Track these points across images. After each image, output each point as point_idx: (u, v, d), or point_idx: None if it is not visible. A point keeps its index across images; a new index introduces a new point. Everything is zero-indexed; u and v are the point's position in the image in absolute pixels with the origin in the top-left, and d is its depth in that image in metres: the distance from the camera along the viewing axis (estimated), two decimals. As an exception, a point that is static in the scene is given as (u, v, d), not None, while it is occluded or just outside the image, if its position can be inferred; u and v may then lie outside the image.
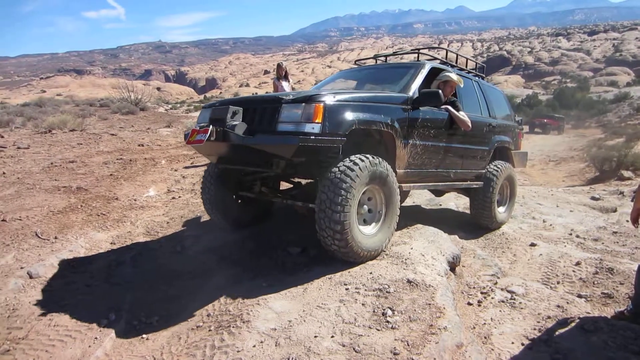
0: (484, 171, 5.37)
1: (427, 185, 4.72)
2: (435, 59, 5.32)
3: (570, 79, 69.43)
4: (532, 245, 5.16)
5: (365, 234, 3.62)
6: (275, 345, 2.60)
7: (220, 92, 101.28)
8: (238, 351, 2.57)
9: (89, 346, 2.84)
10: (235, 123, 3.40)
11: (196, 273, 3.81)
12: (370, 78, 5.31)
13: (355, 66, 5.93)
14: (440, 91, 4.02)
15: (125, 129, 12.60)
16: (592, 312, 3.58)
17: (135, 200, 5.75)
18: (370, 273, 3.41)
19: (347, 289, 3.19)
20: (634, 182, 10.92)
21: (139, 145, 9.57)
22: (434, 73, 4.66)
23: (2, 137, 9.81)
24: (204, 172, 4.51)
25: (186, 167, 7.71)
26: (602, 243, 5.40)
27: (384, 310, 2.93)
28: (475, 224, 5.57)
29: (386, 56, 5.84)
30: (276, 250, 4.12)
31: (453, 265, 3.99)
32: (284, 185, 4.97)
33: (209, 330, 2.88)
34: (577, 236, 5.64)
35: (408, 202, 6.73)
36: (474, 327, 3.28)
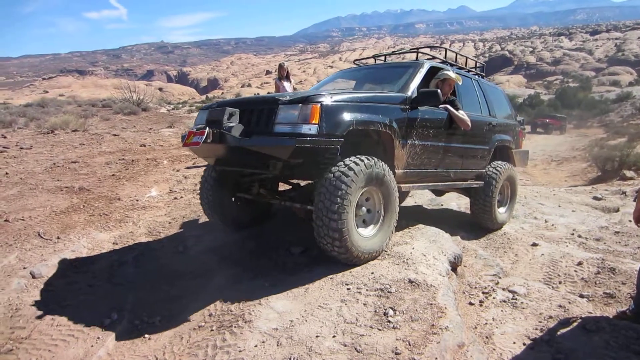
0: (484, 171, 5.34)
1: (426, 185, 4.69)
2: (435, 58, 5.31)
3: (573, 79, 69.32)
4: (534, 245, 5.15)
5: (364, 236, 3.61)
6: (277, 345, 2.61)
7: (222, 93, 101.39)
8: (240, 351, 2.57)
9: (92, 346, 2.85)
10: (231, 125, 3.37)
11: (198, 273, 3.81)
12: (369, 78, 5.30)
13: (355, 66, 5.92)
14: (438, 90, 3.99)
15: (127, 129, 12.62)
16: (594, 312, 3.58)
17: (137, 200, 5.77)
18: (372, 273, 3.41)
19: (348, 289, 3.20)
20: (636, 182, 10.90)
21: (141, 146, 9.59)
22: (433, 72, 4.63)
23: (5, 137, 9.85)
24: (202, 173, 4.50)
25: (188, 168, 7.72)
26: (604, 243, 5.39)
27: (385, 310, 2.94)
28: (476, 224, 5.56)
29: (385, 56, 5.82)
30: (277, 250, 4.13)
31: (454, 265, 3.99)
32: (284, 186, 4.96)
33: (211, 330, 2.89)
34: (579, 236, 5.63)
35: (409, 202, 6.73)
36: (476, 327, 3.28)
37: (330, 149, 3.35)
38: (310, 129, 3.19)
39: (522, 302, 3.67)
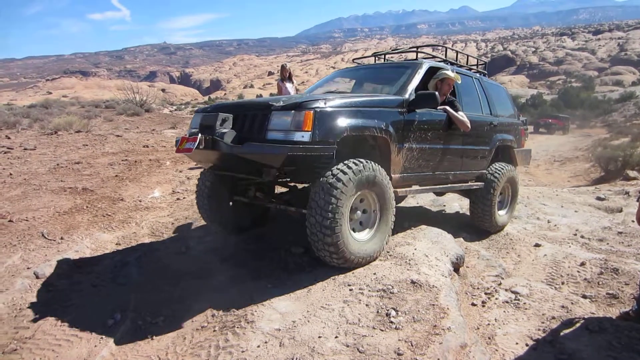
0: (485, 172, 5.25)
1: (424, 189, 4.61)
2: (434, 57, 5.25)
3: (575, 79, 69.20)
4: (537, 245, 5.15)
5: (359, 240, 3.56)
6: (280, 346, 2.61)
7: (225, 94, 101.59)
8: (242, 351, 2.58)
9: (95, 346, 2.86)
10: (224, 131, 3.32)
11: (200, 273, 3.82)
12: (367, 78, 5.25)
13: (354, 64, 5.85)
14: (436, 93, 3.92)
15: (130, 130, 12.66)
16: (597, 313, 3.57)
17: (140, 201, 5.79)
18: (374, 274, 3.42)
19: (351, 290, 3.20)
20: (640, 182, 10.86)
21: (144, 147, 9.62)
22: (432, 72, 4.55)
23: (9, 138, 9.90)
24: (198, 178, 4.44)
25: (191, 169, 7.74)
26: (607, 243, 5.38)
27: (387, 310, 2.94)
28: (476, 226, 5.48)
29: (385, 55, 5.75)
30: (279, 250, 4.13)
31: (457, 266, 3.99)
32: (283, 188, 4.94)
33: (214, 331, 2.90)
34: (582, 236, 5.62)
35: (412, 202, 6.73)
36: (478, 328, 3.28)
37: (323, 156, 3.28)
38: (303, 136, 3.13)
39: (524, 303, 3.66)
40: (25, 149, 8.47)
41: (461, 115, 4.48)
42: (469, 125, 4.52)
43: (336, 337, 2.68)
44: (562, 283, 4.21)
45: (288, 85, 8.48)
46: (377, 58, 5.80)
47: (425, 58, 5.07)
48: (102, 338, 2.95)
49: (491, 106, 5.46)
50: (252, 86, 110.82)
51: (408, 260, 3.65)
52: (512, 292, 3.88)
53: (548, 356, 2.91)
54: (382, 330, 2.75)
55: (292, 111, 3.21)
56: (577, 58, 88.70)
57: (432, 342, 2.65)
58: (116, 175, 6.81)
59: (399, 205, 5.89)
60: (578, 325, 3.27)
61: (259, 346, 2.61)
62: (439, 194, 6.08)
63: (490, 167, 5.33)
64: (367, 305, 3.01)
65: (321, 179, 3.29)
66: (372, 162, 3.50)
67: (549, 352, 2.94)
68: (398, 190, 3.99)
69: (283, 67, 8.74)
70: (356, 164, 3.37)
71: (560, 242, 5.38)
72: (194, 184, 6.64)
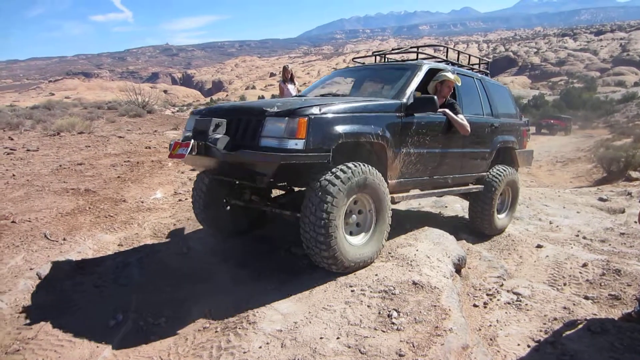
0: (485, 174, 5.18)
1: (421, 194, 4.55)
2: (434, 57, 5.20)
3: (577, 79, 69.15)
4: (539, 246, 5.14)
5: (355, 244, 3.51)
6: (281, 347, 2.62)
7: (227, 95, 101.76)
8: (244, 352, 2.59)
9: (97, 346, 2.87)
10: (217, 136, 3.27)
11: (202, 274, 3.83)
12: (366, 78, 5.19)
13: (355, 63, 5.81)
14: (435, 97, 3.86)
15: (132, 131, 12.69)
16: (599, 314, 3.56)
17: (142, 202, 5.80)
18: (376, 275, 3.42)
19: (352, 291, 3.20)
20: (642, 183, 10.83)
21: (146, 148, 9.64)
22: (432, 73, 4.47)
23: (12, 139, 9.93)
24: (194, 182, 4.40)
25: (193, 170, 7.74)
26: (609, 244, 5.37)
27: (389, 312, 2.94)
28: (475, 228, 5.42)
29: (386, 54, 5.67)
30: (280, 251, 4.14)
31: (458, 267, 3.98)
32: (280, 190, 4.89)
33: (215, 332, 2.90)
34: (584, 237, 5.61)
35: (413, 204, 6.72)
36: (480, 329, 3.28)
37: (317, 164, 3.24)
38: (297, 144, 3.08)
39: (526, 304, 3.66)
40: (28, 150, 8.50)
41: (461, 119, 4.40)
42: (468, 129, 4.44)
43: (338, 338, 2.68)
44: (564, 284, 4.21)
45: (290, 86, 8.49)
46: (378, 58, 5.74)
47: (425, 58, 5.03)
48: (104, 339, 2.95)
49: (492, 107, 5.34)
50: (254, 87, 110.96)
51: (410, 261, 3.65)
52: (514, 293, 3.88)
53: (550, 357, 2.91)
54: (383, 331, 2.75)
55: (286, 118, 3.14)
56: (579, 59, 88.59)
57: (433, 343, 2.65)
58: (118, 177, 6.82)
59: (400, 206, 5.89)
60: (580, 326, 3.27)
61: (260, 347, 2.62)
62: (439, 195, 6.04)
63: (491, 170, 5.25)
64: (368, 306, 3.01)
65: (310, 192, 3.23)
66: (362, 165, 3.42)
67: (550, 354, 2.94)
68: (395, 196, 3.93)
69: (285, 69, 8.75)
70: (344, 172, 3.28)
71: (562, 243, 5.37)
72: (196, 185, 6.66)
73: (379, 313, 2.94)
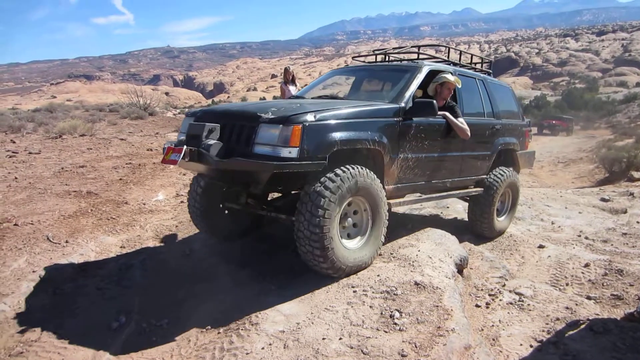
0: (485, 176, 5.11)
1: (419, 199, 4.49)
2: (435, 57, 5.15)
3: (579, 80, 69.14)
4: (541, 247, 5.13)
5: (351, 248, 3.46)
6: (284, 348, 2.62)
7: (228, 97, 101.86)
8: (247, 353, 2.59)
9: (100, 349, 2.87)
10: (210, 142, 3.21)
11: (204, 276, 3.84)
12: (365, 79, 5.15)
13: (355, 62, 5.75)
14: (434, 102, 3.75)
15: (134, 133, 12.73)
16: (602, 314, 3.56)
17: (144, 204, 5.81)
18: (378, 275, 3.42)
19: (354, 292, 3.21)
20: (645, 183, 10.80)
21: (147, 150, 9.66)
22: (432, 75, 4.38)
23: (14, 142, 9.97)
24: (189, 185, 4.35)
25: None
26: (612, 244, 5.35)
27: (391, 312, 2.94)
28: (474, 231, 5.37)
29: (387, 53, 5.56)
30: (282, 252, 4.14)
31: (460, 268, 3.98)
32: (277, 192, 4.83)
33: (218, 333, 2.91)
34: (586, 238, 5.59)
35: (414, 204, 6.72)
36: (482, 329, 3.28)
37: (312, 172, 3.17)
38: (290, 152, 3.01)
39: (528, 304, 3.66)
40: (30, 152, 8.53)
41: (461, 123, 4.31)
42: (468, 133, 4.36)
43: (340, 338, 2.68)
44: (566, 284, 4.20)
45: (291, 87, 8.49)
46: (378, 57, 5.67)
47: (427, 59, 4.98)
48: (106, 341, 2.96)
49: (494, 108, 5.24)
50: (255, 89, 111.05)
51: (411, 261, 3.65)
52: (516, 293, 3.87)
53: (552, 357, 2.90)
54: (386, 332, 2.75)
55: (280, 125, 3.07)
56: (581, 59, 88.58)
57: (436, 344, 2.65)
58: (120, 179, 6.84)
59: (401, 207, 5.88)
60: (582, 326, 3.27)
61: (263, 348, 2.62)
62: (438, 199, 5.99)
63: (491, 172, 5.18)
64: (371, 306, 3.02)
65: (301, 206, 3.20)
66: (351, 168, 3.31)
67: (553, 354, 2.94)
68: (392, 202, 3.86)
69: (286, 70, 8.76)
70: (333, 180, 3.18)
71: (564, 244, 5.36)
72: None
73: (381, 313, 2.94)
